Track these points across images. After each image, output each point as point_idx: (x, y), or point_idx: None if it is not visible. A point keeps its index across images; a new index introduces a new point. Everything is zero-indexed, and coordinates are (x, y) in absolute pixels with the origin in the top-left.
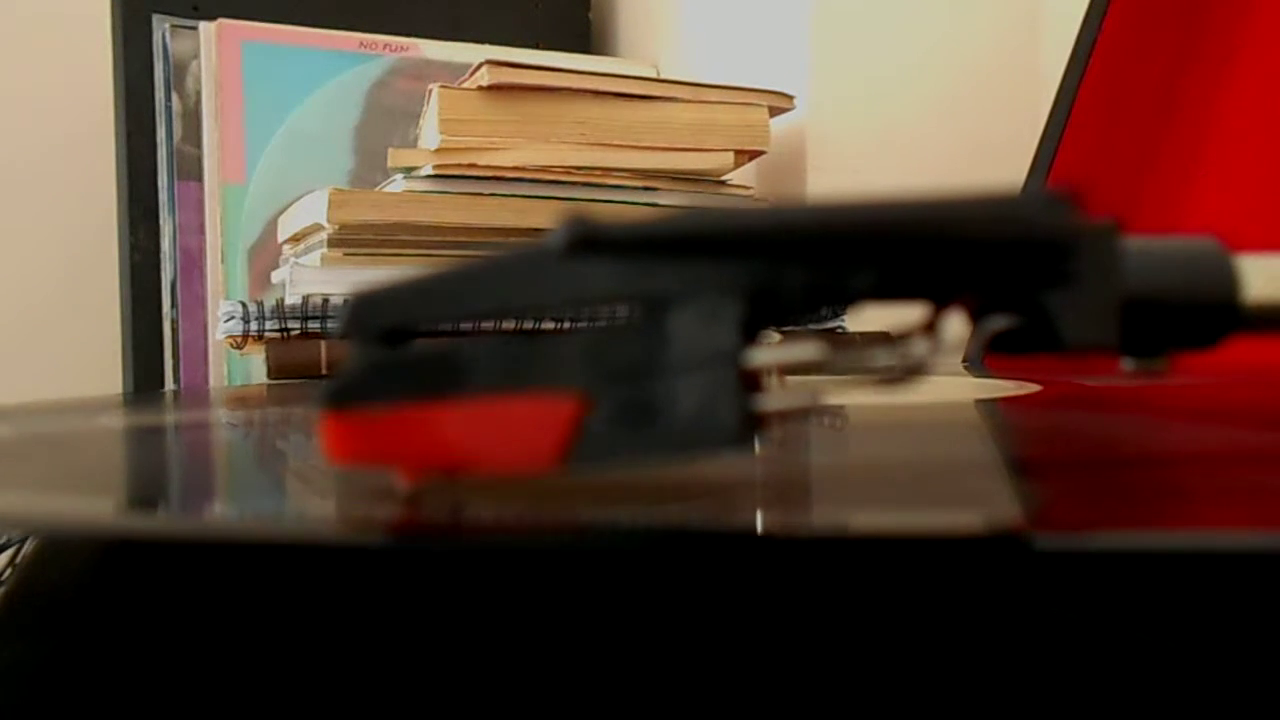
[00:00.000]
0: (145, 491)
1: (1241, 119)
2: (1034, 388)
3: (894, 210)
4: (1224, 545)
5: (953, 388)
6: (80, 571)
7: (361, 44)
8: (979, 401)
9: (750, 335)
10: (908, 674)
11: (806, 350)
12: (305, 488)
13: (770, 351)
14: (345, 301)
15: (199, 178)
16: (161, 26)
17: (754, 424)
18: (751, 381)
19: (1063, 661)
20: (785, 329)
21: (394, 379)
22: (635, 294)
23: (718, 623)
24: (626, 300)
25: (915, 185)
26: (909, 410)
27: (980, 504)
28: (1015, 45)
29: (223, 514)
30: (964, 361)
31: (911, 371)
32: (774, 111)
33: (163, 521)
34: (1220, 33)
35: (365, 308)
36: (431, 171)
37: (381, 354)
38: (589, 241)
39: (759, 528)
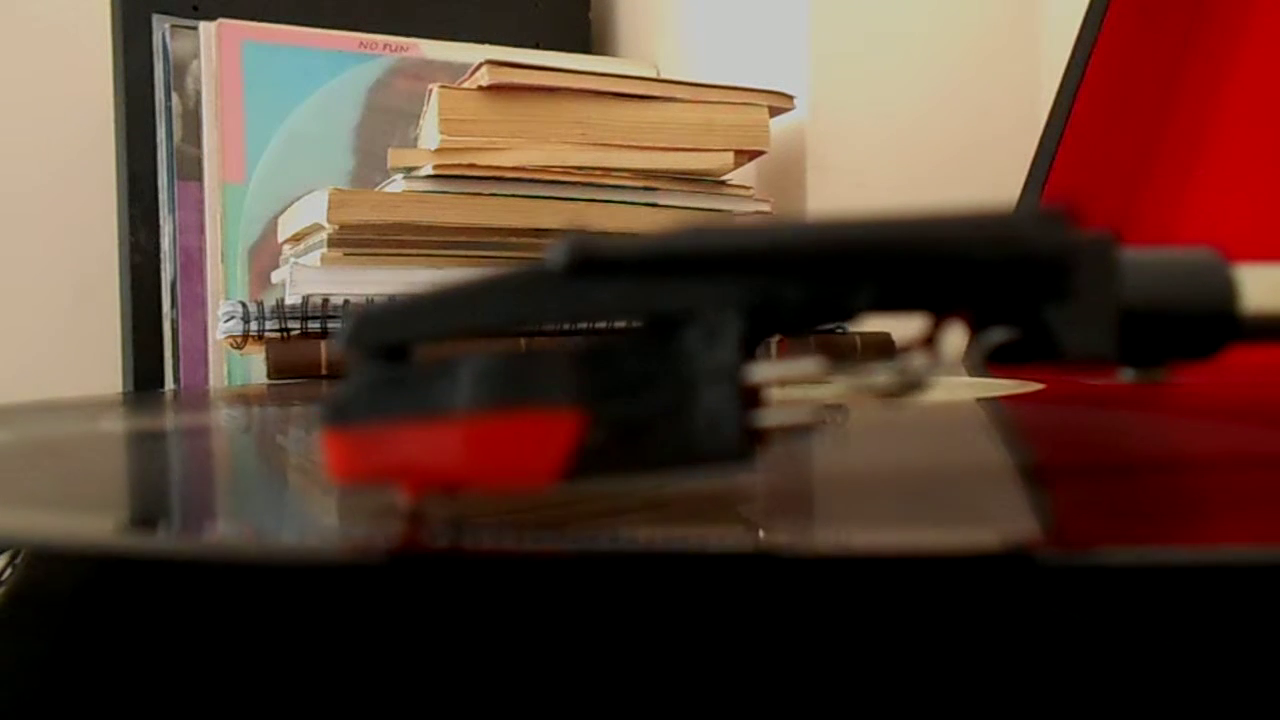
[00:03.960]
0: (143, 507)
1: (1241, 120)
2: (1035, 387)
3: (893, 229)
4: (1235, 559)
5: (954, 387)
6: (79, 573)
7: (361, 44)
8: (980, 401)
9: (750, 350)
10: (915, 690)
11: (807, 366)
12: (305, 505)
13: (770, 367)
14: (346, 317)
15: (199, 178)
16: (161, 26)
17: (755, 439)
18: (752, 397)
19: (1072, 676)
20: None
21: (395, 396)
22: (636, 311)
23: (720, 640)
24: (627, 317)
25: (915, 185)
26: (911, 410)
27: (984, 519)
28: (1015, 45)
29: (221, 533)
30: (964, 365)
31: (911, 386)
32: (774, 111)
33: (161, 542)
34: (1220, 33)
35: (367, 324)
36: (431, 171)
37: (382, 370)
38: (589, 260)
39: (761, 545)
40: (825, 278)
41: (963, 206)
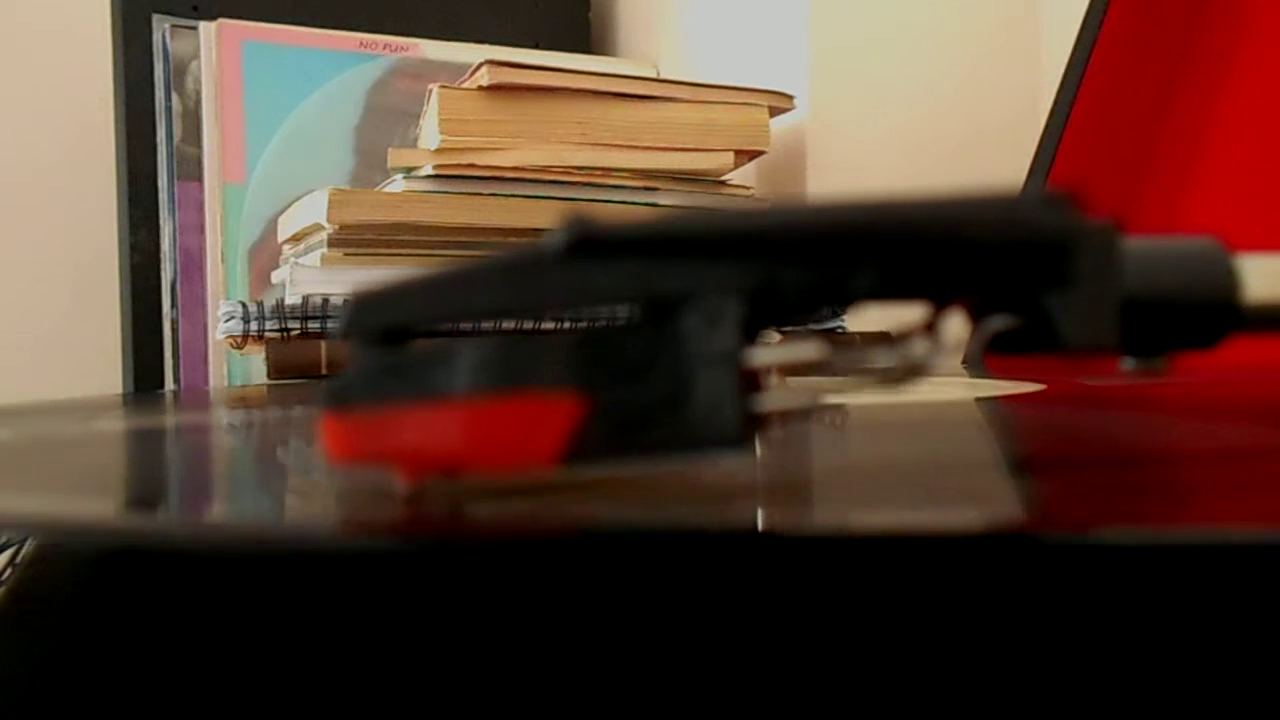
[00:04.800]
0: (145, 494)
1: (1241, 119)
2: (1036, 387)
3: (894, 211)
4: (1228, 541)
5: (953, 387)
6: (80, 571)
7: (361, 44)
8: (980, 400)
9: (751, 335)
10: (912, 673)
11: (807, 350)
12: (305, 489)
13: (771, 352)
14: (346, 302)
15: (199, 178)
16: (161, 26)
17: (754, 424)
18: (752, 382)
19: (1067, 659)
20: (786, 328)
21: (394, 379)
22: (636, 295)
23: (719, 622)
24: (627, 301)
25: (915, 185)
26: (910, 409)
27: (982, 502)
28: (1015, 45)
29: (222, 517)
30: (963, 361)
31: (911, 372)
32: (774, 111)
33: (162, 524)
34: (1220, 33)
35: (366, 308)
36: (431, 171)
37: (382, 354)
38: (589, 243)
39: (760, 527)
40: (826, 260)
41: (965, 189)
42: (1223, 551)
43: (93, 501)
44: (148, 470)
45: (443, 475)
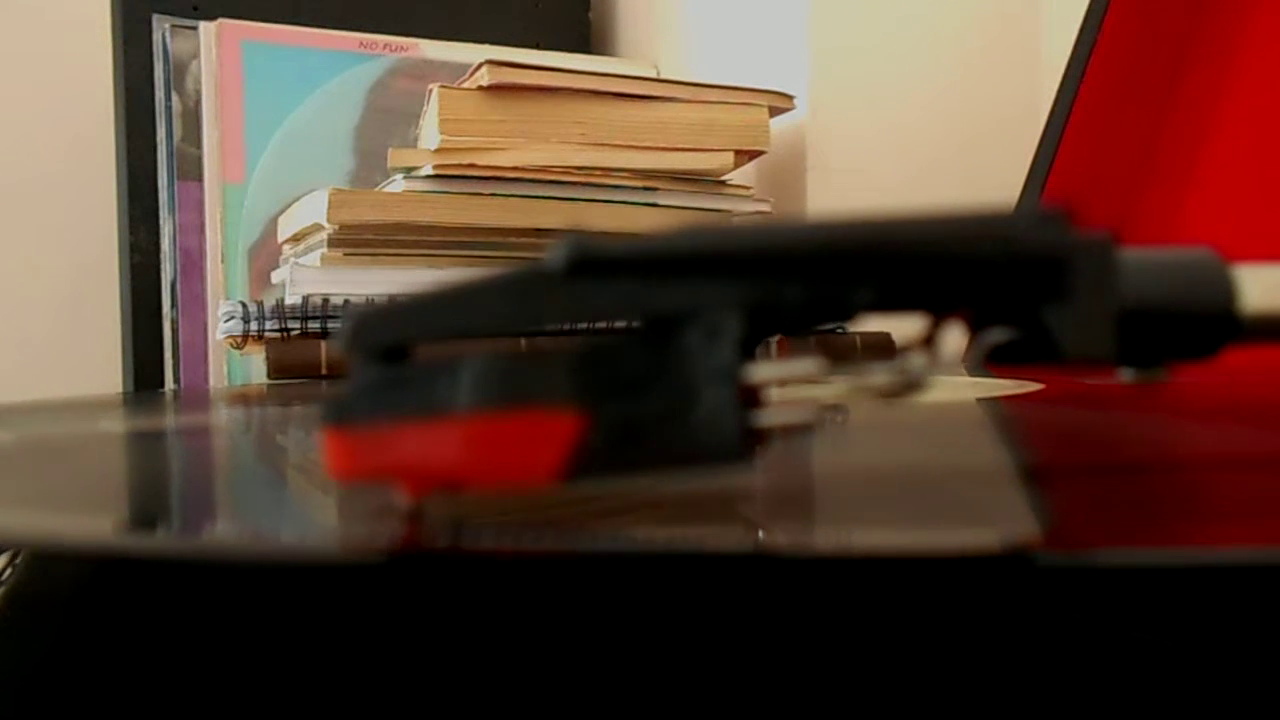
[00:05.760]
0: (143, 507)
1: (1241, 121)
2: (1035, 387)
3: (891, 228)
4: (1234, 561)
5: (954, 387)
6: (79, 574)
7: (361, 44)
8: (980, 401)
9: (750, 350)
10: (914, 691)
11: (806, 366)
12: (305, 504)
13: (770, 367)
14: (346, 318)
15: (199, 178)
16: (161, 26)
17: (754, 439)
18: (751, 396)
19: (1070, 677)
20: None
21: (395, 395)
22: (635, 312)
23: (719, 641)
24: (626, 318)
25: (915, 185)
26: (911, 411)
27: (986, 518)
28: (1015, 45)
29: (220, 533)
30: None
31: (910, 386)
32: (774, 111)
33: (160, 542)
34: (1220, 34)
35: (367, 324)
36: (431, 171)
37: (382, 370)
38: (588, 260)
39: (760, 545)
40: (825, 278)
41: (961, 207)
42: (1224, 570)
43: (90, 516)
44: (146, 479)
45: (444, 491)
